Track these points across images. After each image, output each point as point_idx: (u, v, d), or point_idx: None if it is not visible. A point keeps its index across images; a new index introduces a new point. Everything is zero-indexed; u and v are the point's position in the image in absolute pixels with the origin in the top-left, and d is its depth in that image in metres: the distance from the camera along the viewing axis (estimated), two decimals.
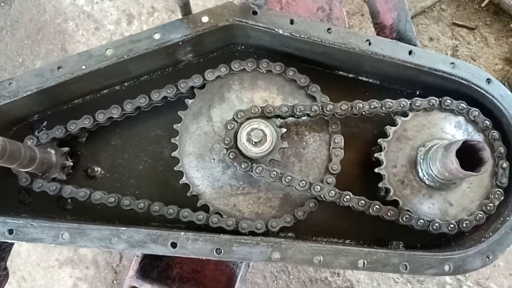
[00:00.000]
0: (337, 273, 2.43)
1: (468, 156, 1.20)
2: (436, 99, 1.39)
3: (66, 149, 1.43)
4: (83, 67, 1.35)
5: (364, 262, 1.27)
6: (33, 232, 1.26)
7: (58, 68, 1.34)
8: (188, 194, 1.41)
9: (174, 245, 1.26)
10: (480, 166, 1.18)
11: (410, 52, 1.39)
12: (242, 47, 1.54)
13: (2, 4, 2.71)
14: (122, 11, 2.75)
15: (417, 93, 1.53)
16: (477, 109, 1.39)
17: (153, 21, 2.71)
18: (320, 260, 1.26)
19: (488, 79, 1.39)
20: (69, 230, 1.26)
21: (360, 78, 1.56)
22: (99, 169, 1.50)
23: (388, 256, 1.28)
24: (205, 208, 1.40)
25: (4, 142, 1.12)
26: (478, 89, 1.38)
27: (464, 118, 1.41)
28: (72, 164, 1.44)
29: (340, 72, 1.55)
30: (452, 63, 1.39)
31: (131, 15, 2.71)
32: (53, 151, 1.40)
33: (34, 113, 1.46)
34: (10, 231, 1.26)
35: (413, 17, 2.66)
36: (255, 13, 1.39)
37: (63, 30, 2.65)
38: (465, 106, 1.40)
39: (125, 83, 1.51)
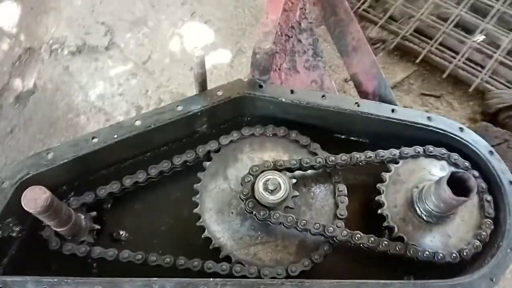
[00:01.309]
0: None
1: (457, 188, 1.39)
2: (420, 147, 1.63)
3: (94, 213, 1.54)
4: (115, 136, 1.53)
5: None
6: None
7: (93, 138, 1.52)
8: (210, 248, 1.51)
9: None
10: (469, 193, 1.37)
11: (392, 110, 1.66)
12: (249, 118, 1.78)
13: (16, 105, 2.95)
14: (131, 103, 3.03)
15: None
16: (456, 154, 1.63)
17: None
18: None
19: (460, 127, 1.65)
20: (103, 284, 1.31)
21: (351, 138, 1.80)
22: (123, 232, 1.60)
23: (403, 287, 1.38)
24: (227, 259, 1.49)
25: (52, 196, 1.24)
26: (454, 136, 1.64)
27: (446, 162, 1.63)
28: (99, 227, 1.53)
29: (335, 135, 1.79)
30: (429, 117, 1.66)
31: (140, 107, 3.00)
32: (82, 216, 1.51)
33: (64, 184, 1.58)
34: None
35: None
36: (260, 86, 1.66)
37: (75, 123, 2.88)
38: (445, 152, 1.63)
39: (147, 154, 1.69)
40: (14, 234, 1.44)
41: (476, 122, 2.98)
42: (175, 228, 1.62)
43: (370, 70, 1.72)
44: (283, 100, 1.64)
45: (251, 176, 1.51)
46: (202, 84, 1.61)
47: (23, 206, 1.21)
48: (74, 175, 1.57)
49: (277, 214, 1.47)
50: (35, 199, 1.19)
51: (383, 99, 1.74)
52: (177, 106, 1.60)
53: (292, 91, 1.66)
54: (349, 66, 1.80)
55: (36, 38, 3.05)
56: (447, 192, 1.37)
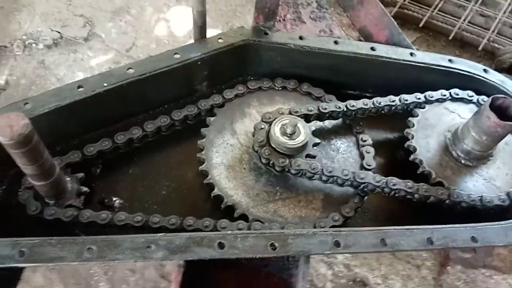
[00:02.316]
0: None
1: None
2: (446, 91, 1.48)
3: (81, 174, 1.28)
4: (105, 84, 1.32)
5: (431, 239, 1.15)
6: (50, 250, 1.04)
7: (78, 87, 1.30)
8: (222, 207, 1.28)
9: (221, 245, 1.08)
10: None
11: (411, 54, 1.52)
12: (252, 78, 1.59)
13: None
14: None
15: None
16: (485, 96, 1.49)
17: None
18: (388, 243, 1.13)
19: (484, 69, 1.53)
20: (96, 243, 1.05)
21: (365, 94, 1.63)
22: (116, 199, 1.34)
23: (456, 230, 1.18)
24: (243, 218, 1.26)
25: (30, 125, 0.99)
26: (479, 78, 1.51)
27: (475, 105, 1.49)
28: (88, 190, 1.28)
29: (348, 91, 1.63)
30: (450, 59, 1.53)
31: None
32: (68, 178, 1.26)
33: (48, 138, 1.34)
34: (21, 253, 1.03)
35: None
36: (266, 34, 1.50)
37: None
38: (473, 94, 1.49)
39: (140, 115, 1.47)
40: None
41: None
42: (178, 193, 1.38)
43: (380, 20, 1.60)
44: (292, 46, 1.48)
45: (264, 124, 1.32)
46: (202, 28, 1.44)
47: None
48: (57, 133, 1.33)
49: (299, 162, 1.27)
50: (11, 126, 0.95)
51: (398, 46, 1.60)
52: (175, 53, 1.41)
53: (301, 37, 1.50)
54: (356, 21, 1.68)
55: (8, 35, 2.82)
56: (491, 119, 1.21)
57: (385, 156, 1.52)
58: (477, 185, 1.32)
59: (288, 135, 1.27)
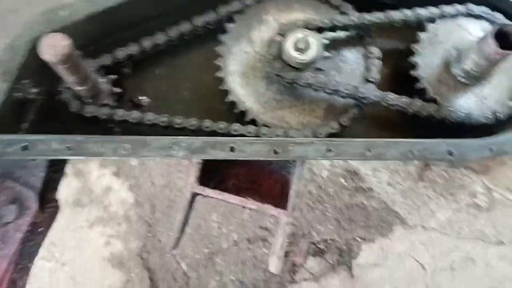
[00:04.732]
0: (372, 196, 2.51)
1: (501, 45, 1.29)
2: (460, 5, 1.49)
3: (114, 76, 1.46)
4: None
5: (413, 151, 1.33)
6: (92, 147, 1.27)
7: None
8: (235, 111, 1.46)
9: (232, 149, 1.30)
10: None
11: None
12: None
13: None
14: None
15: None
16: (500, 13, 1.50)
17: None
18: (372, 153, 1.32)
19: None
20: (131, 142, 1.28)
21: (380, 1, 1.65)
22: (145, 97, 1.54)
23: (435, 144, 1.34)
24: (253, 122, 1.46)
25: (71, 44, 1.15)
26: None
27: (488, 22, 1.51)
28: (120, 90, 1.47)
29: None
30: None
31: None
32: (102, 79, 1.44)
33: (79, 46, 1.48)
34: (69, 148, 1.28)
35: None
36: None
37: None
38: (487, 11, 1.50)
39: (167, 14, 1.55)
40: (32, 96, 1.38)
41: None
42: (198, 94, 1.56)
43: None
44: None
45: (279, 36, 1.41)
46: None
47: (41, 54, 1.13)
48: (90, 36, 1.46)
49: (307, 75, 1.40)
50: (54, 46, 1.11)
51: None
52: None
53: None
54: None
55: None
56: (491, 46, 1.27)
57: (392, 66, 1.61)
58: (468, 103, 1.44)
59: (300, 50, 1.37)
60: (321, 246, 2.60)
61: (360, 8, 1.62)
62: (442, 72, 1.46)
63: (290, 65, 1.40)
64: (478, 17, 1.50)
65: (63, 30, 1.35)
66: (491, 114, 1.42)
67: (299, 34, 1.37)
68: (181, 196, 1.47)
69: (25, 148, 1.28)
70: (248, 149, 1.31)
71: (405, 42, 1.62)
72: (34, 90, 1.38)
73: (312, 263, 2.60)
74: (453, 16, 1.50)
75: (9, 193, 1.32)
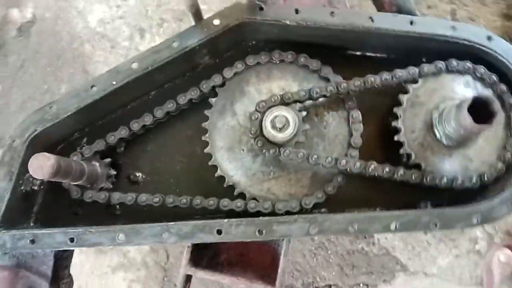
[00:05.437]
0: (373, 243, 2.54)
1: (480, 112, 1.28)
2: (442, 62, 1.47)
3: (108, 160, 1.56)
4: (114, 82, 1.47)
5: (396, 224, 1.36)
6: (91, 237, 1.39)
7: (92, 86, 1.47)
8: (224, 185, 1.53)
9: (219, 232, 1.37)
10: (492, 118, 1.26)
11: (411, 22, 1.47)
12: (253, 42, 1.64)
13: (20, 37, 2.89)
14: (133, 27, 2.91)
15: (424, 61, 1.58)
16: (482, 66, 1.47)
17: (163, 31, 2.87)
18: (356, 228, 1.36)
19: (488, 36, 1.46)
20: (124, 231, 1.38)
21: (367, 54, 1.64)
22: (140, 174, 1.63)
23: (418, 216, 1.37)
24: (242, 196, 1.52)
25: (58, 160, 1.25)
26: (481, 47, 1.46)
27: (471, 77, 1.48)
28: (115, 173, 1.57)
29: (348, 52, 1.64)
30: (452, 26, 1.47)
31: (142, 29, 2.87)
32: (97, 164, 1.53)
33: (74, 132, 1.59)
34: (72, 240, 1.39)
35: None
36: (261, 9, 1.49)
37: (80, 53, 2.83)
38: (470, 65, 1.47)
39: (151, 93, 1.63)
40: (36, 187, 1.50)
41: (511, 19, 2.61)
42: (190, 167, 1.63)
43: None
44: (288, 22, 1.48)
45: (258, 113, 1.44)
46: (196, 14, 1.47)
47: (32, 174, 1.24)
48: (81, 124, 1.57)
49: (287, 151, 1.43)
50: (41, 167, 1.21)
51: (401, 9, 1.53)
52: (173, 42, 1.49)
53: (297, 11, 1.49)
54: None
55: None
56: (467, 120, 1.27)
57: (376, 124, 1.62)
58: (453, 166, 1.44)
59: (278, 129, 1.41)
60: None
61: (346, 61, 1.64)
62: (425, 135, 1.46)
63: (271, 142, 1.44)
64: (460, 72, 1.48)
65: (54, 125, 1.47)
66: (477, 177, 1.42)
67: (276, 112, 1.41)
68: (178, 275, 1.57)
69: (32, 242, 1.41)
70: (234, 231, 1.38)
71: (389, 97, 1.61)
72: (37, 181, 1.50)
73: None
74: (435, 74, 1.48)
75: (24, 283, 1.45)
